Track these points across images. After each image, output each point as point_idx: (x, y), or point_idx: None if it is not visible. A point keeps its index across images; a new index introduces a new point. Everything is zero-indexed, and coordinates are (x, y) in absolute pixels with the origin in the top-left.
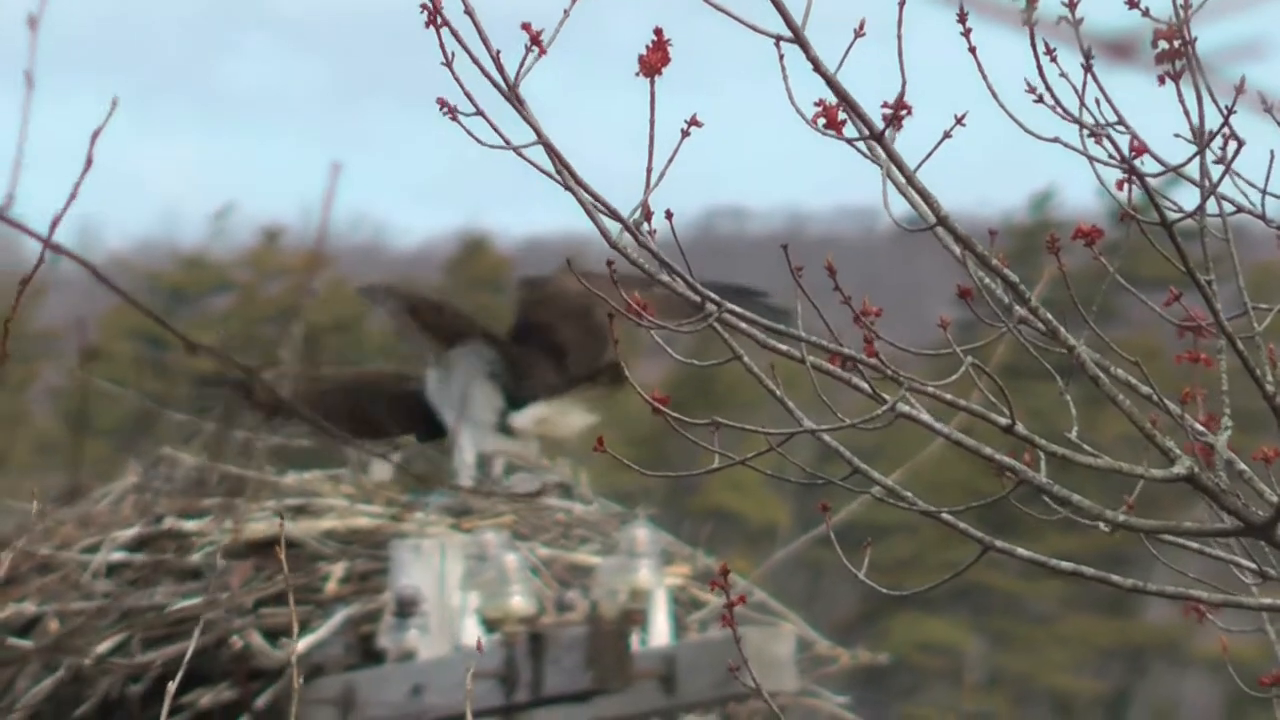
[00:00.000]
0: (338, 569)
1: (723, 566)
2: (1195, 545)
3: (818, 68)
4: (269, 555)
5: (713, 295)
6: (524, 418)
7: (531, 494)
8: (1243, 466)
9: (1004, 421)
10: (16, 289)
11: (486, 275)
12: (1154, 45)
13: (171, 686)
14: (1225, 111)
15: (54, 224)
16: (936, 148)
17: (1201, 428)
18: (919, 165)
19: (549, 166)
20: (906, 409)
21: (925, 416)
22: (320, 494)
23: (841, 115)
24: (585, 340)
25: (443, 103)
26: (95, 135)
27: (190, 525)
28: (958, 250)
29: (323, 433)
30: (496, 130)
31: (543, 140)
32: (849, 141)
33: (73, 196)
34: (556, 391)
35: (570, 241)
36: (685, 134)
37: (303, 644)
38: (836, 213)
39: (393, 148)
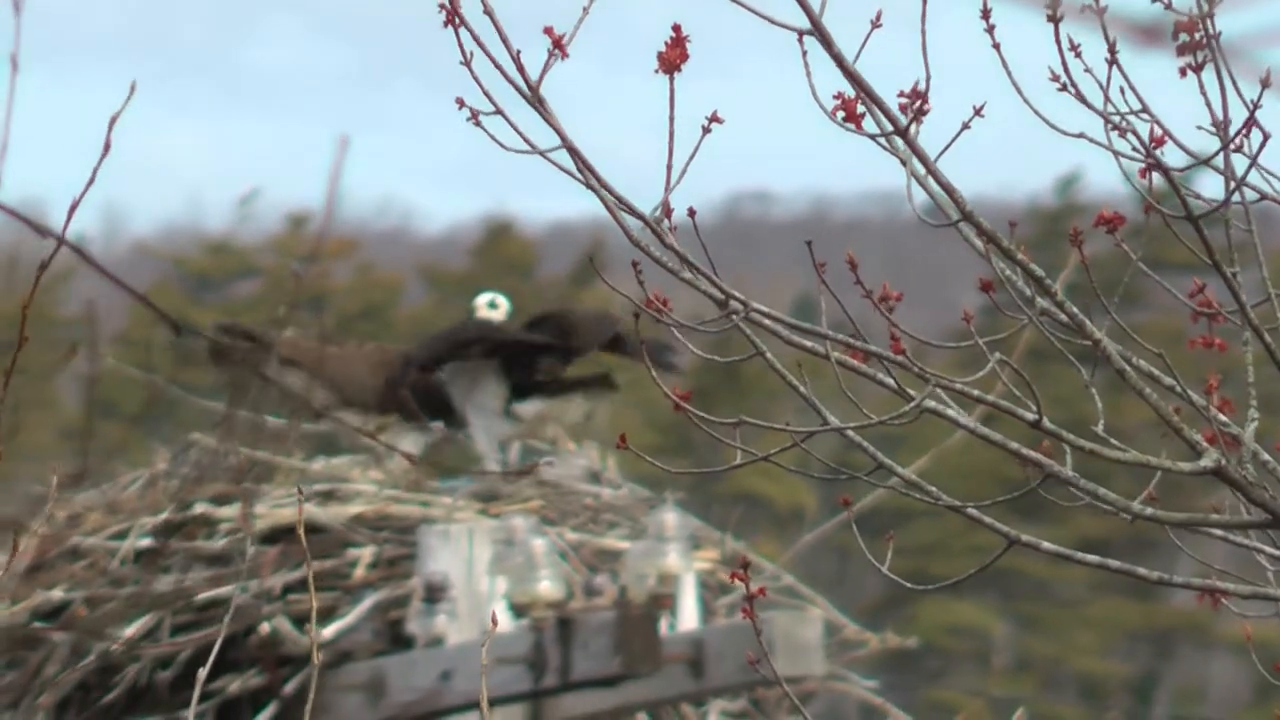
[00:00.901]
0: (366, 555)
1: (743, 558)
2: (1219, 535)
3: (840, 63)
4: (297, 541)
5: (736, 294)
6: (526, 408)
7: (536, 468)
8: (1267, 458)
9: (1031, 417)
10: (35, 274)
11: (513, 260)
12: (1175, 37)
13: (202, 673)
14: (1251, 105)
15: (72, 210)
16: (954, 140)
17: (1226, 419)
18: (938, 156)
19: (571, 165)
20: (933, 405)
21: (952, 412)
22: (348, 479)
23: (861, 109)
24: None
25: (462, 103)
26: (113, 121)
27: (219, 511)
28: (980, 245)
29: (310, 410)
30: (519, 132)
31: (566, 144)
32: (870, 136)
33: (90, 182)
34: (554, 393)
35: (596, 227)
36: (706, 130)
37: (331, 630)
38: (861, 197)
39: (419, 132)
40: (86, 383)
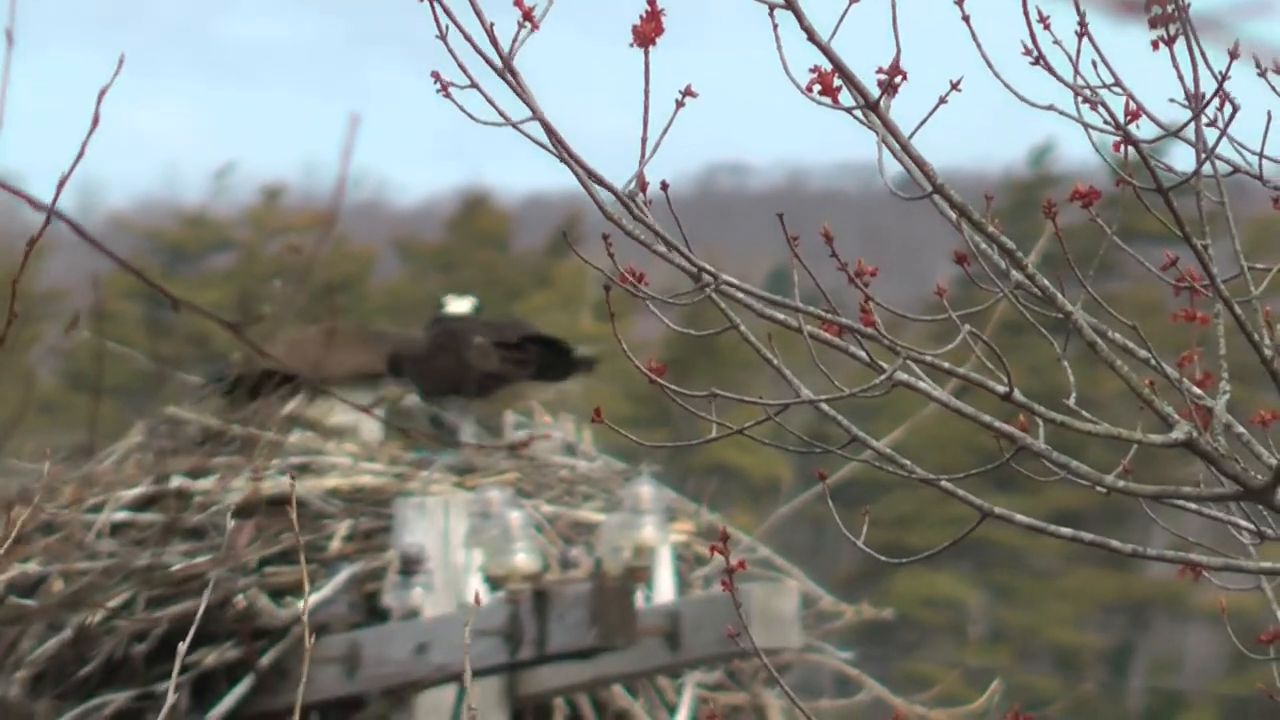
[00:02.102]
0: (341, 528)
1: (722, 531)
2: (1192, 508)
3: (811, 37)
4: (273, 514)
5: (709, 267)
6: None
7: (527, 442)
8: (1241, 430)
9: (1002, 389)
10: (22, 250)
11: (488, 233)
12: (1148, 9)
13: (182, 647)
14: (1219, 76)
15: (60, 185)
16: (931, 114)
17: (1199, 391)
18: (913, 133)
19: (544, 138)
20: (904, 377)
21: (923, 385)
22: (324, 452)
23: (836, 82)
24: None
25: (437, 77)
26: (102, 94)
27: (195, 484)
28: (954, 217)
29: (306, 383)
30: (492, 104)
31: (538, 117)
32: (845, 110)
33: (79, 156)
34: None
35: (571, 200)
36: (680, 104)
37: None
38: (837, 169)
39: (395, 104)
40: (88, 359)
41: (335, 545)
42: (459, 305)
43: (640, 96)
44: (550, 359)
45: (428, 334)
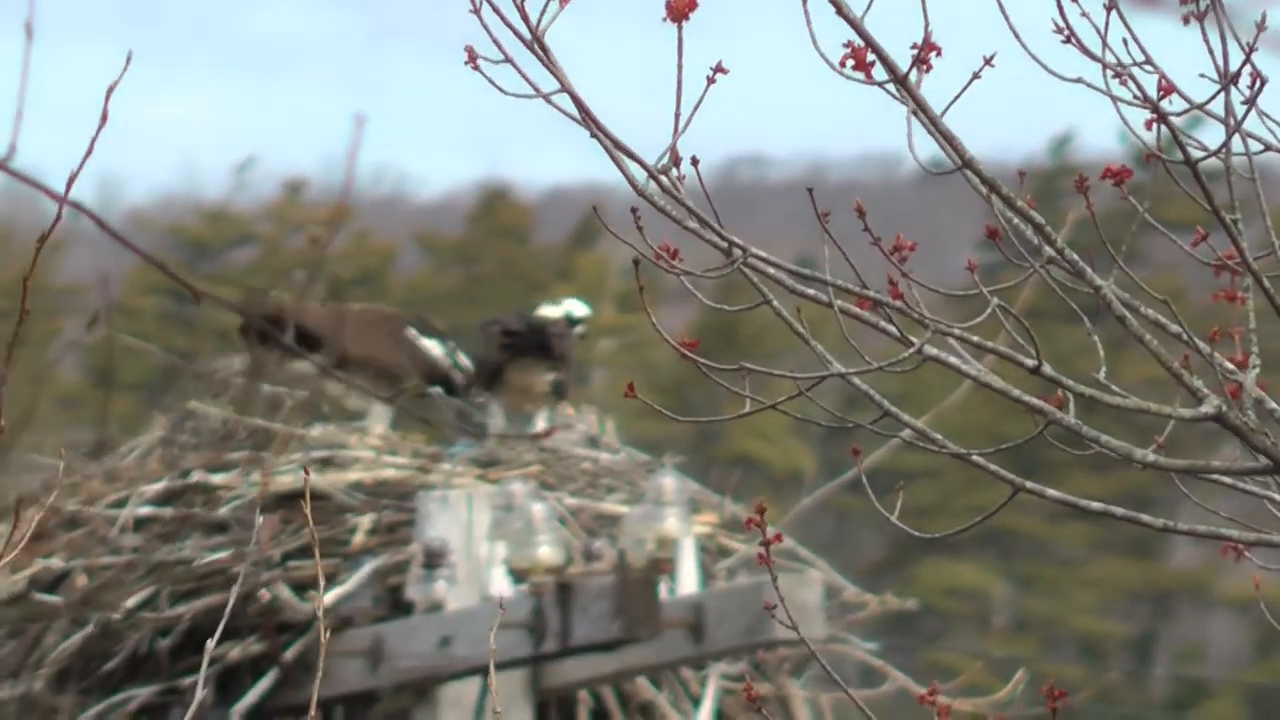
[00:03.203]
0: (364, 521)
1: (759, 505)
2: (1228, 482)
3: (841, 11)
4: (296, 508)
5: (738, 240)
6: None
7: (549, 432)
8: (1273, 405)
9: (1030, 363)
10: (35, 246)
11: (509, 226)
12: None
13: (210, 644)
14: (1247, 49)
15: (70, 180)
16: (965, 89)
17: (1232, 366)
18: (946, 108)
19: (572, 117)
20: (934, 351)
21: (953, 359)
22: (347, 446)
23: (869, 57)
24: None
25: (471, 53)
26: (110, 91)
27: (217, 479)
28: (984, 192)
29: (324, 372)
30: (525, 78)
31: (567, 89)
32: (878, 84)
33: (89, 153)
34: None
35: (592, 190)
36: (711, 80)
37: (330, 596)
38: (857, 159)
39: (414, 97)
40: (101, 355)
41: (358, 539)
42: (553, 310)
43: (662, 81)
44: (538, 339)
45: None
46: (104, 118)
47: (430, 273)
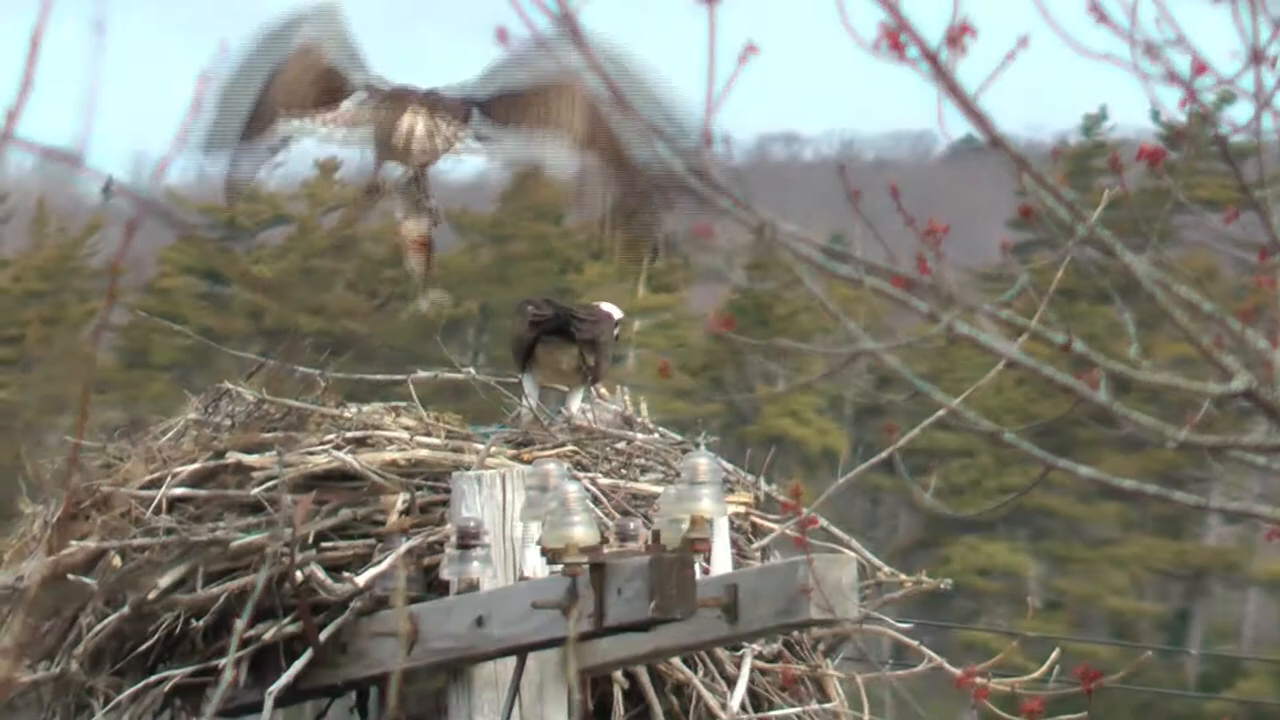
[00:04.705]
0: (398, 501)
1: (795, 487)
2: (1261, 462)
3: None
4: (330, 488)
5: (768, 216)
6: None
7: (581, 428)
8: None
9: (1063, 340)
10: (80, 225)
11: (542, 205)
12: None
13: (239, 624)
14: (1276, 26)
15: (159, 169)
16: (1000, 70)
17: (1264, 344)
18: (980, 90)
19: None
20: (964, 328)
21: (982, 336)
22: (381, 426)
23: (903, 37)
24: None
25: (502, 33)
26: (202, 81)
27: (251, 459)
28: (1016, 172)
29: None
30: (556, 59)
31: (596, 66)
32: (911, 63)
33: (182, 140)
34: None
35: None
36: (743, 60)
37: (365, 577)
38: (889, 138)
39: (445, 75)
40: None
41: (392, 519)
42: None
43: (696, 61)
44: (560, 321)
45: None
46: (196, 106)
47: (463, 252)
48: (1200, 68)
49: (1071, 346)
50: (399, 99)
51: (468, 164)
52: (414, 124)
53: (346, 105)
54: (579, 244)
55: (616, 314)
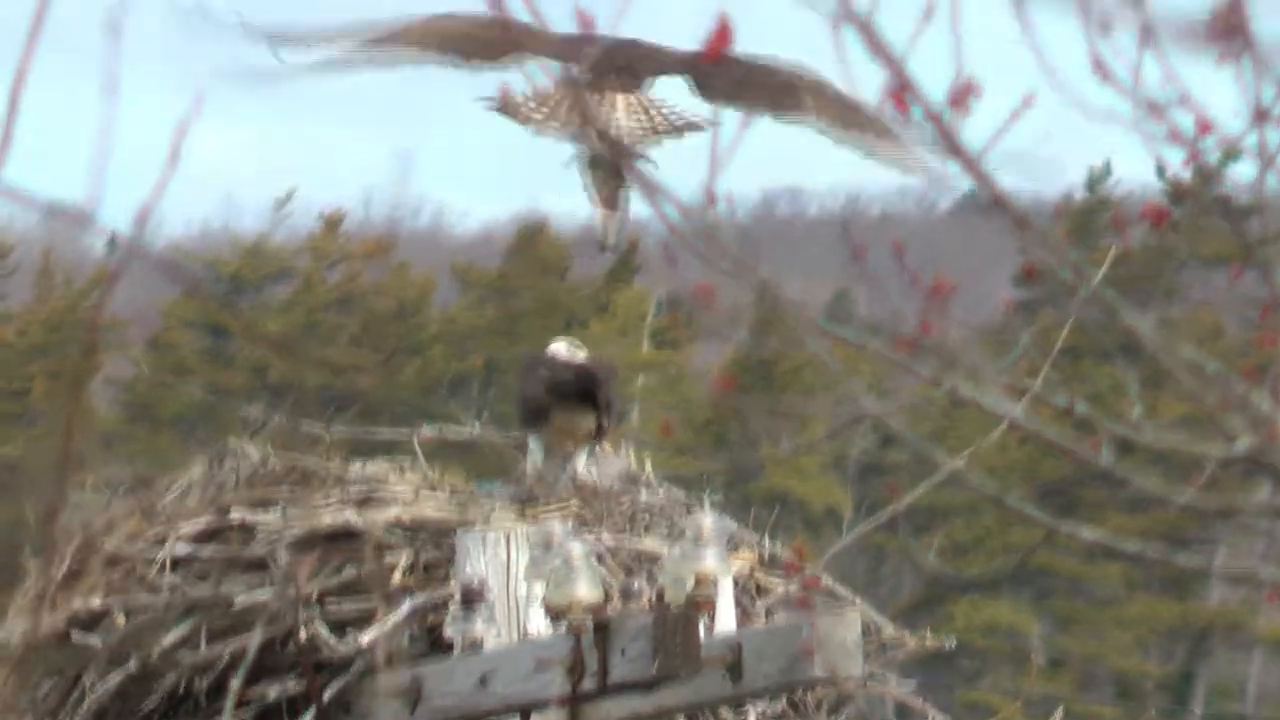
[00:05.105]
0: (403, 560)
1: (798, 547)
2: (1265, 525)
3: (879, 52)
4: (335, 547)
5: (769, 276)
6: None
7: (587, 489)
8: None
9: (1067, 402)
10: (86, 279)
11: (546, 261)
12: (1212, 25)
13: (235, 683)
14: None
15: (140, 221)
16: (1005, 129)
17: (1269, 405)
18: (986, 147)
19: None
20: (965, 392)
21: (986, 399)
22: (386, 483)
23: (907, 99)
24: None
25: (506, 96)
26: (180, 131)
27: (257, 517)
28: (1026, 229)
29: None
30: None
31: (598, 128)
32: (913, 123)
33: (157, 193)
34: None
35: (631, 226)
36: (745, 124)
37: (369, 635)
38: (896, 192)
39: (452, 131)
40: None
41: (397, 578)
42: (560, 347)
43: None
44: (583, 386)
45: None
46: (174, 157)
47: (467, 307)
48: (1204, 127)
49: (1074, 409)
50: (598, 83)
51: (472, 219)
52: (614, 116)
53: (538, 83)
54: (584, 299)
55: (577, 352)
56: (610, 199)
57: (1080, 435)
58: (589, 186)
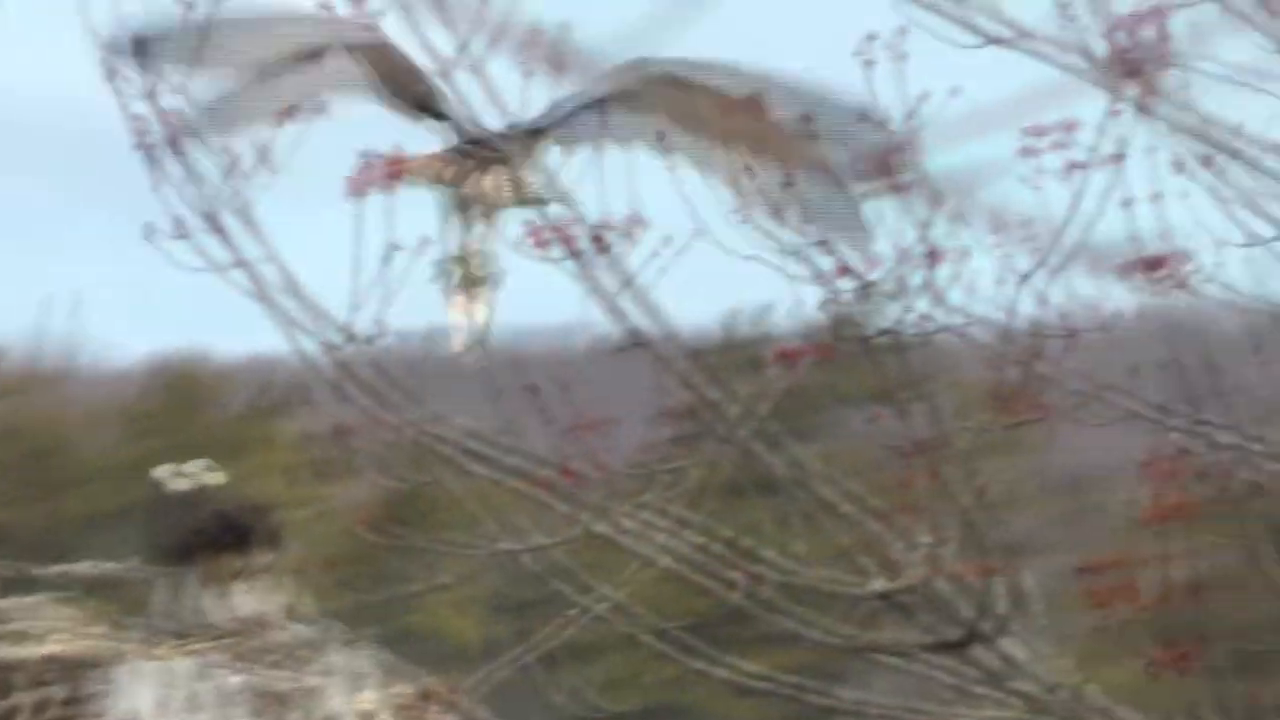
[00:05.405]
0: (59, 693)
1: (450, 685)
2: (899, 661)
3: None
4: None
5: (426, 413)
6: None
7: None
8: (943, 584)
9: (716, 539)
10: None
11: (205, 393)
12: (863, 166)
13: None
14: (923, 229)
15: None
16: (647, 269)
17: (915, 543)
18: (626, 286)
19: (260, 288)
20: (617, 528)
21: (636, 536)
22: (43, 618)
23: (549, 236)
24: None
25: (150, 230)
26: None
27: None
28: (666, 368)
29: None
30: (204, 254)
31: (247, 267)
32: (557, 262)
33: None
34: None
35: (286, 361)
36: (390, 256)
37: None
38: (536, 329)
39: (113, 262)
40: None
41: (51, 712)
42: (180, 478)
43: (343, 254)
44: (240, 531)
45: (152, 506)
46: None
47: (127, 440)
48: (844, 269)
49: (720, 544)
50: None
51: (125, 353)
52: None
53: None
54: (237, 433)
55: (210, 477)
56: (473, 293)
57: (728, 571)
58: (456, 274)
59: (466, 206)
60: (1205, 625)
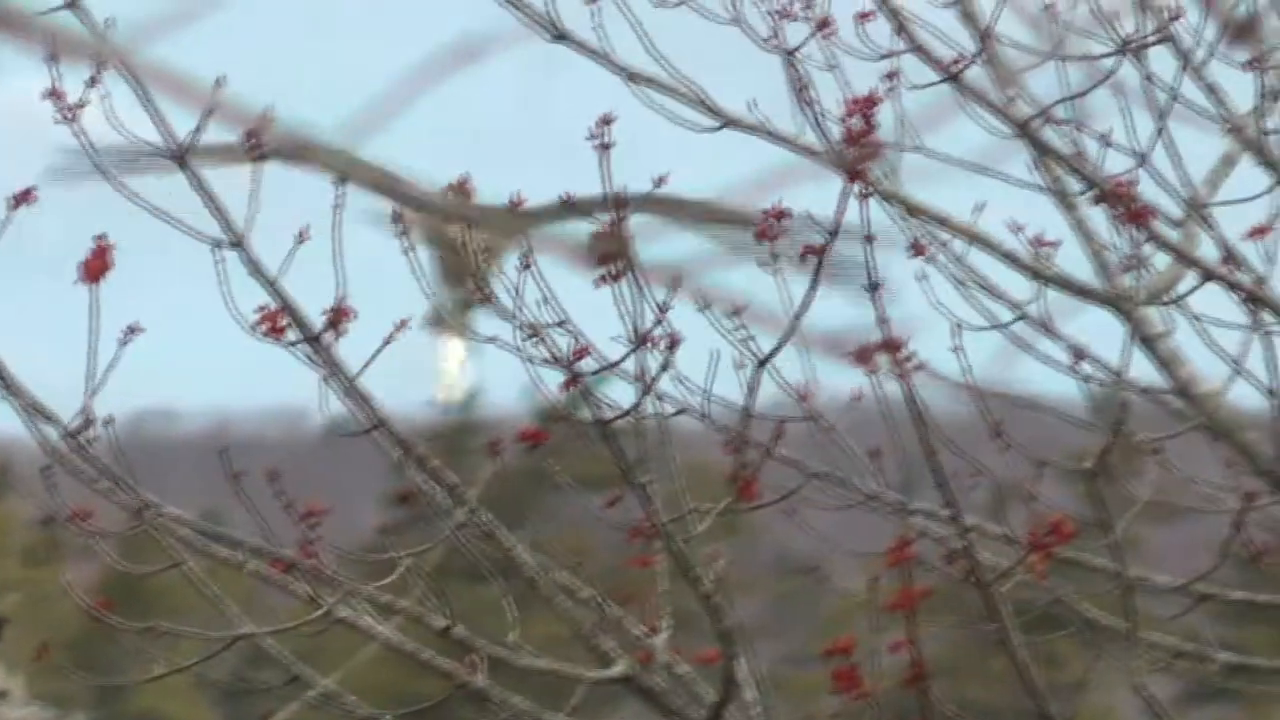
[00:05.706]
0: None
1: None
2: None
3: (258, 272)
4: None
5: (151, 498)
6: None
7: None
8: (682, 668)
9: (442, 623)
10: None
11: None
12: (591, 250)
13: None
14: (659, 309)
15: None
16: (380, 351)
17: (642, 629)
18: (363, 369)
19: None
20: (345, 613)
21: (362, 621)
22: None
23: (283, 320)
24: None
25: None
26: None
27: None
28: (396, 453)
29: None
30: None
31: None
32: (289, 346)
33: None
34: None
35: (4, 444)
36: (125, 341)
37: None
38: (263, 413)
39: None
40: None
41: None
42: None
43: (73, 338)
44: None
45: None
46: None
47: None
48: (581, 351)
49: (452, 630)
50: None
51: None
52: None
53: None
54: None
55: None
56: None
57: (455, 655)
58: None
59: None
60: (932, 712)
